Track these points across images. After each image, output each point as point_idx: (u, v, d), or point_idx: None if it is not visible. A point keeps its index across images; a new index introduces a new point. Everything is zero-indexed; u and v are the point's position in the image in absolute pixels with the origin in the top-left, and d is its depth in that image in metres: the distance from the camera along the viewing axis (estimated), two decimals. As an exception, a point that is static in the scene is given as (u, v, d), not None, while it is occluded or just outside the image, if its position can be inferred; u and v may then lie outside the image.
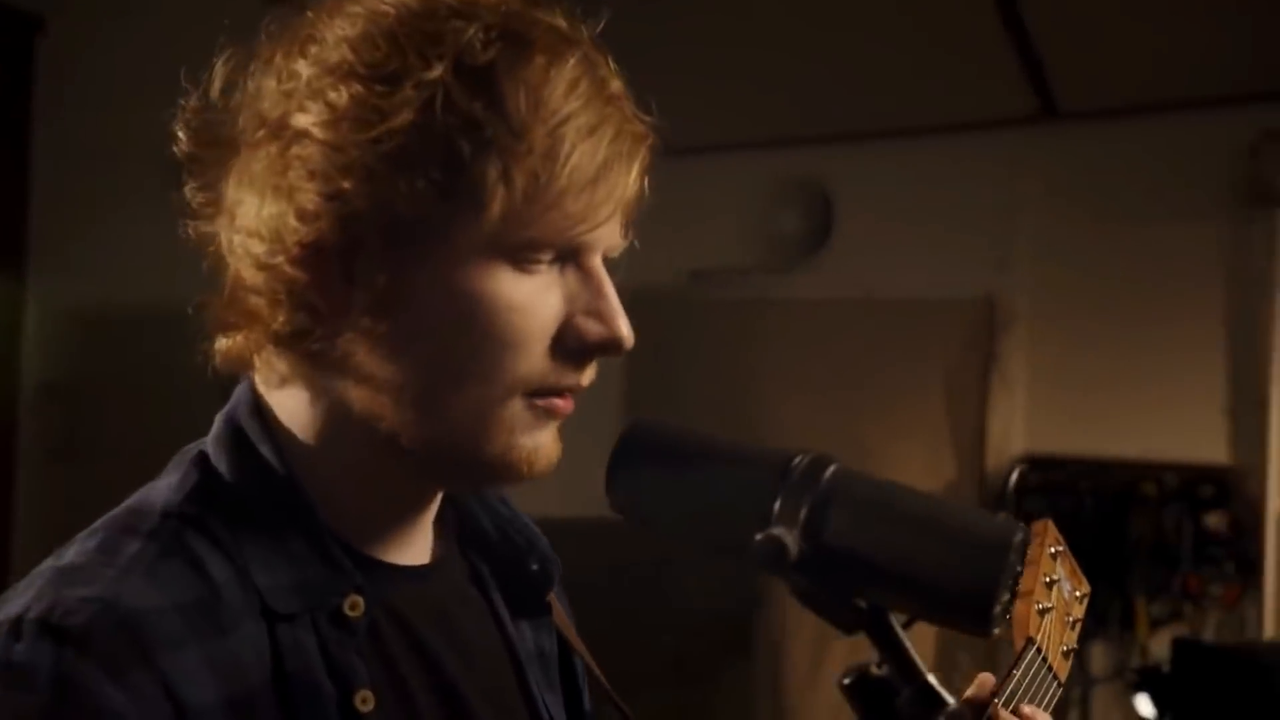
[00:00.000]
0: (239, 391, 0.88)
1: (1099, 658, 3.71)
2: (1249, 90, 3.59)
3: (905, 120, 4.06)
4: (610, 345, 0.83)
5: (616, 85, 0.83)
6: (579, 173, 0.79)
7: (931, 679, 0.74)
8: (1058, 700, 1.21)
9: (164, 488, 0.83)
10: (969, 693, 1.18)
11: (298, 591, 0.81)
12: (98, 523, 0.82)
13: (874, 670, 0.77)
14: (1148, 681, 2.81)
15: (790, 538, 0.72)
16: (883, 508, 0.73)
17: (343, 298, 0.80)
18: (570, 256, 0.83)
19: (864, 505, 0.73)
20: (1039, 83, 3.72)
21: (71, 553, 0.79)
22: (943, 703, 0.74)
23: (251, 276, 0.81)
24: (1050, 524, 1.33)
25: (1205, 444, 3.65)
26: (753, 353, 4.23)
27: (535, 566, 1.00)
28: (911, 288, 4.02)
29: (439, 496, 0.93)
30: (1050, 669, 1.23)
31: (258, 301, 0.82)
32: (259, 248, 0.80)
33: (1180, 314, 3.73)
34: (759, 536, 0.72)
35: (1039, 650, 1.28)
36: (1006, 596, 0.71)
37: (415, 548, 0.91)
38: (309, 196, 0.78)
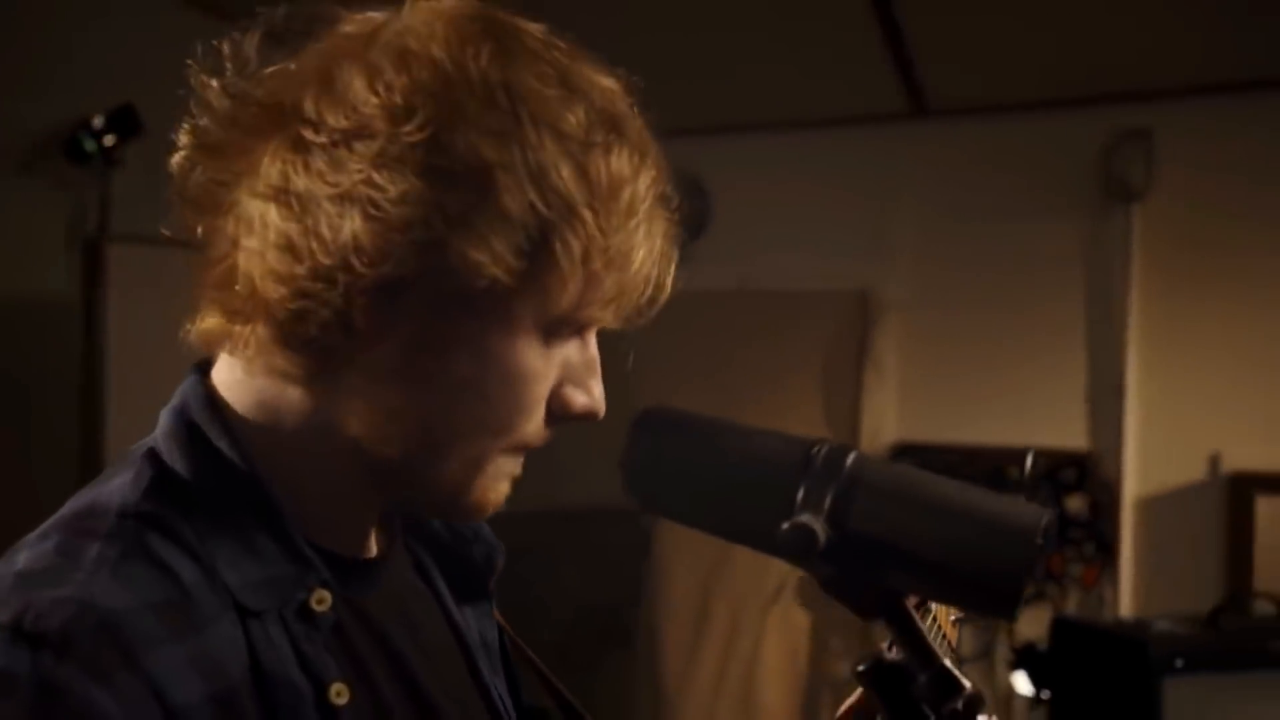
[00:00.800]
0: (186, 386, 0.85)
1: (966, 638, 3.83)
2: (1107, 91, 3.75)
3: (781, 114, 4.13)
4: (588, 418, 0.86)
5: (668, 189, 0.84)
6: (640, 273, 0.81)
7: (948, 663, 0.75)
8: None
9: (117, 488, 0.79)
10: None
11: (266, 588, 0.79)
12: (45, 526, 0.78)
13: (888, 657, 0.78)
14: (1025, 660, 2.91)
15: (818, 525, 0.72)
16: (908, 494, 0.74)
17: (386, 328, 0.78)
18: (579, 332, 0.85)
19: (889, 492, 0.74)
20: (911, 80, 3.81)
21: (24, 557, 0.75)
22: (960, 686, 0.75)
23: (285, 271, 0.76)
24: None
25: (1067, 430, 3.80)
26: (628, 341, 4.22)
27: (479, 553, 1.01)
28: (787, 279, 4.09)
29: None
30: (945, 637, 1.28)
31: (280, 299, 0.77)
32: (315, 252, 0.75)
33: (1043, 305, 3.88)
34: (786, 525, 0.72)
35: (934, 619, 1.33)
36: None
37: (367, 540, 0.90)
38: (402, 237, 0.74)
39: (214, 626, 0.75)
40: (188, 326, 0.84)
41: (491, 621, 1.02)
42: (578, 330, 0.84)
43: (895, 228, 4.06)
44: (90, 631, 0.69)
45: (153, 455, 0.81)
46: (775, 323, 4.11)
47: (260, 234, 0.76)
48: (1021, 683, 2.93)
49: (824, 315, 4.09)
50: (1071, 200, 3.84)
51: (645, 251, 0.81)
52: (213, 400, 0.83)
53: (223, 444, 0.80)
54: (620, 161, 0.79)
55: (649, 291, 0.84)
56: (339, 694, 0.79)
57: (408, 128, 0.74)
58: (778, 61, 3.80)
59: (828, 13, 3.59)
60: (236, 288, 0.78)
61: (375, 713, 0.82)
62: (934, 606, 1.31)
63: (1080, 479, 3.72)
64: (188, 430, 0.81)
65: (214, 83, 0.79)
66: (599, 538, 3.85)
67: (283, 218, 0.76)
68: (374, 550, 0.91)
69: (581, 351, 0.85)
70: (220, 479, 0.80)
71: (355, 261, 0.74)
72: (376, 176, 0.74)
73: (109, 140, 3.64)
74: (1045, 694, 2.84)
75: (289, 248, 0.75)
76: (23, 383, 3.49)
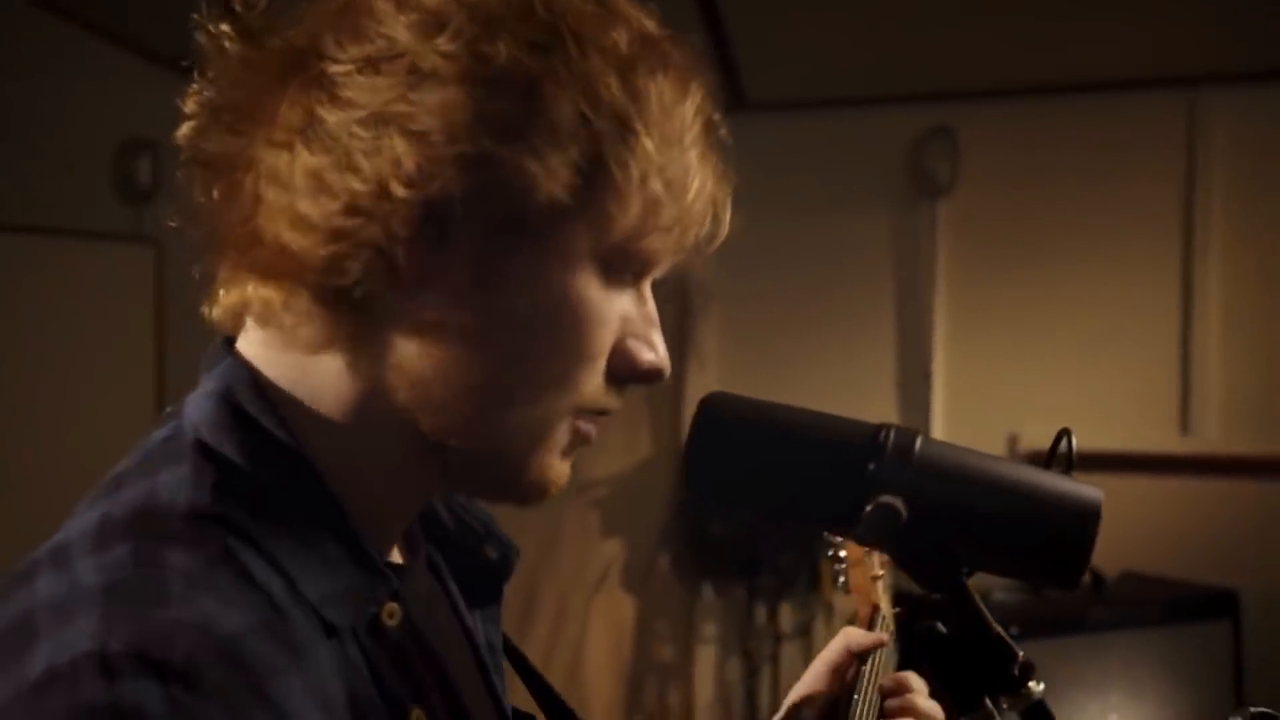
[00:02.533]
0: (226, 367, 0.75)
1: (787, 616, 3.97)
2: (916, 89, 3.93)
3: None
4: (656, 374, 0.81)
5: (719, 118, 0.80)
6: (696, 202, 0.77)
7: (1002, 632, 0.79)
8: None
9: (174, 484, 0.70)
10: (834, 645, 1.26)
11: (344, 601, 0.72)
12: (91, 526, 0.68)
13: (940, 628, 0.81)
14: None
15: (899, 505, 0.75)
16: (977, 474, 0.77)
17: (434, 265, 0.71)
18: (636, 279, 0.80)
19: (961, 472, 0.77)
20: (728, 74, 3.90)
21: (90, 566, 0.65)
22: (1016, 653, 0.79)
23: (317, 214, 0.70)
24: None
25: (878, 414, 3.95)
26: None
27: (493, 554, 0.95)
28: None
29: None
30: (893, 633, 1.35)
31: (314, 247, 0.70)
32: (350, 185, 0.69)
33: (856, 295, 4.05)
34: (871, 506, 0.75)
35: (884, 617, 1.39)
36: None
37: (398, 544, 0.85)
38: (446, 151, 0.69)
39: (312, 649, 0.68)
40: (207, 307, 0.78)
41: (497, 626, 0.96)
42: (636, 272, 0.78)
43: (714, 218, 4.14)
44: (216, 660, 0.61)
45: (204, 448, 0.72)
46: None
47: (286, 180, 0.70)
48: (859, 656, 3.05)
49: (646, 304, 4.15)
50: (882, 194, 4.01)
51: (701, 179, 0.77)
52: (258, 382, 0.74)
53: (280, 433, 0.73)
54: (667, 82, 0.75)
55: (707, 225, 0.80)
56: (419, 719, 0.74)
57: (440, 39, 0.69)
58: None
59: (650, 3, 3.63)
60: (262, 246, 0.71)
61: None
62: (883, 607, 1.37)
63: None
64: (238, 418, 0.72)
65: (224, 27, 0.73)
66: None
67: (311, 154, 0.70)
68: (400, 557, 0.85)
69: (640, 304, 0.80)
70: (282, 474, 0.72)
71: (395, 186, 0.68)
72: (411, 92, 0.69)
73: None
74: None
75: (319, 187, 0.69)
76: None
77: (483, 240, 0.72)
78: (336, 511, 0.73)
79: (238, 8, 0.74)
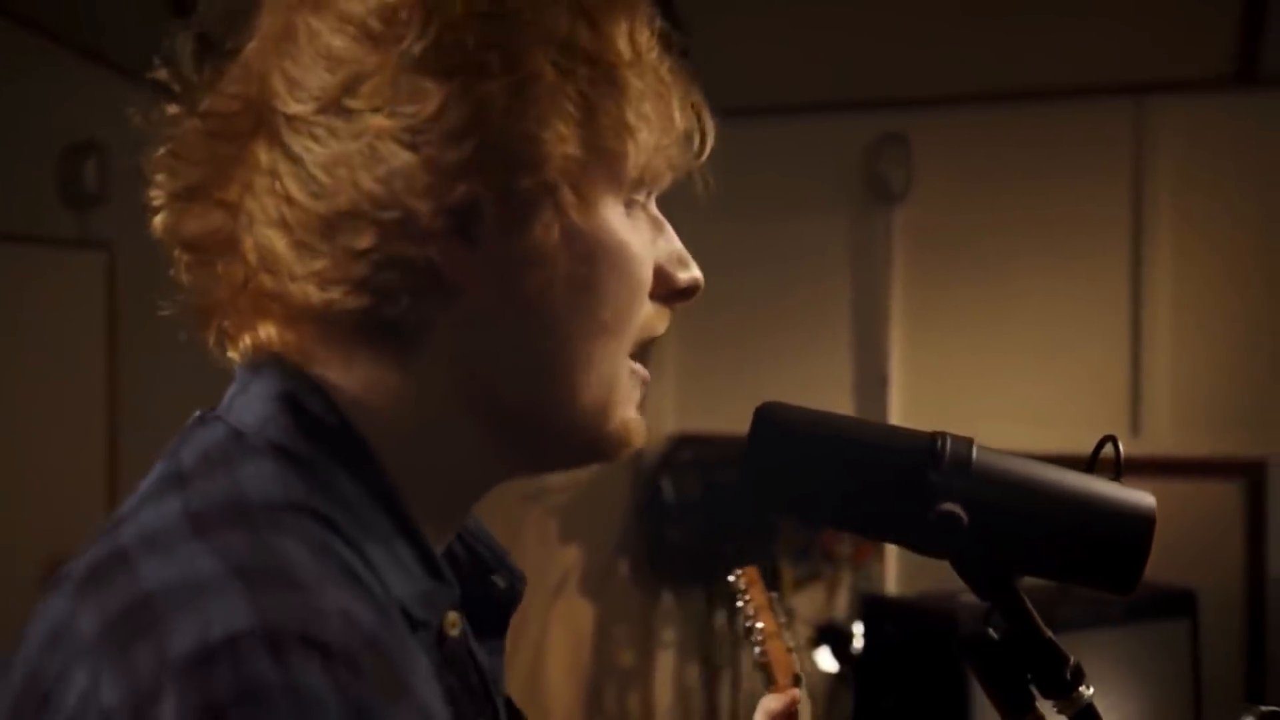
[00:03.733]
0: (281, 373, 0.73)
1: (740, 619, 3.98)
2: (870, 95, 3.97)
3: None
4: (695, 288, 0.82)
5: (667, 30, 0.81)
6: (683, 110, 0.78)
7: (1052, 636, 0.80)
8: None
9: (259, 478, 0.68)
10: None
11: (419, 604, 0.71)
12: (174, 518, 0.65)
13: (991, 633, 0.82)
14: (827, 636, 3.05)
15: (960, 511, 0.75)
16: (1036, 483, 0.78)
17: (469, 267, 0.71)
18: (643, 200, 0.80)
19: (1019, 481, 0.78)
20: (685, 79, 3.91)
21: (205, 551, 0.62)
22: (1067, 657, 0.80)
23: (343, 253, 0.69)
24: (754, 570, 1.49)
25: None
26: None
27: (501, 584, 0.90)
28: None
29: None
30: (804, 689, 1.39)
31: (328, 293, 0.70)
32: (382, 215, 0.68)
33: (812, 301, 4.09)
34: (935, 515, 0.75)
35: (803, 682, 1.43)
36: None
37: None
38: (453, 153, 0.68)
39: (413, 645, 0.66)
40: (220, 350, 0.77)
41: (502, 659, 0.91)
42: (645, 195, 0.79)
43: (670, 223, 4.15)
44: (364, 646, 0.59)
45: (280, 448, 0.70)
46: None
47: (272, 231, 0.70)
48: (825, 659, 3.07)
49: (603, 309, 4.15)
50: (837, 200, 4.05)
51: (679, 90, 0.78)
52: (320, 388, 0.72)
53: (353, 441, 0.71)
54: (622, 14, 0.76)
55: (701, 134, 0.81)
56: None
57: (405, 44, 0.69)
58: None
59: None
60: (278, 301, 0.71)
61: None
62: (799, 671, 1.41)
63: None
64: (305, 421, 0.71)
65: (169, 109, 0.74)
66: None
67: (302, 204, 0.69)
68: None
69: (656, 226, 0.80)
70: (354, 475, 0.71)
71: (414, 204, 0.68)
72: (400, 106, 0.68)
73: None
74: (848, 669, 2.99)
75: (335, 227, 0.69)
76: None
77: (511, 222, 0.72)
78: (407, 519, 0.72)
79: (177, 88, 0.74)
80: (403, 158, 0.68)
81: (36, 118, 3.85)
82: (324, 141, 0.69)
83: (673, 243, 0.81)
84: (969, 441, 0.79)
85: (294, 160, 0.69)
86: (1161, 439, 3.67)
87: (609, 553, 4.14)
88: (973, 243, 3.93)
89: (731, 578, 1.48)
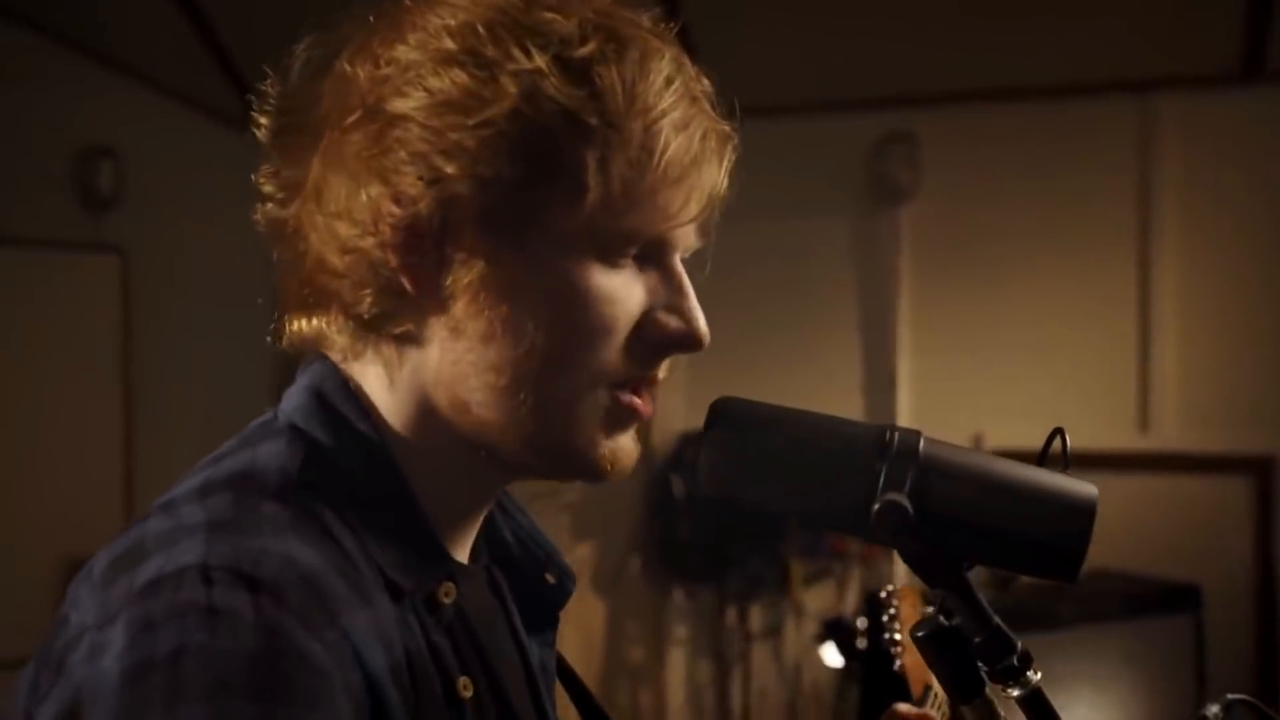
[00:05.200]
0: (319, 368, 0.84)
1: (757, 618, 4.01)
2: (876, 94, 3.99)
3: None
4: (688, 341, 0.86)
5: (704, 87, 0.84)
6: (673, 167, 0.80)
7: (1000, 623, 0.82)
8: None
9: (269, 453, 0.79)
10: None
11: (408, 570, 0.79)
12: (195, 484, 0.77)
13: (944, 621, 0.84)
14: (833, 631, 3.07)
15: (906, 502, 0.77)
16: (979, 473, 0.80)
17: (432, 283, 0.79)
18: (653, 254, 0.84)
19: (963, 471, 0.80)
20: (692, 81, 3.93)
21: (196, 510, 0.74)
22: (1015, 644, 0.82)
23: (336, 259, 0.80)
24: (913, 588, 1.49)
25: (844, 415, 4.01)
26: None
27: (552, 580, 0.99)
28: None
29: (494, 500, 0.92)
30: (941, 708, 1.39)
31: (340, 284, 0.80)
32: (348, 230, 0.79)
33: (819, 300, 4.10)
34: (878, 504, 0.77)
35: (935, 694, 1.43)
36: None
37: (466, 548, 0.90)
38: (408, 180, 0.77)
39: (378, 599, 0.75)
40: (279, 336, 0.86)
41: (552, 651, 1.00)
42: (641, 247, 0.82)
43: (679, 223, 4.18)
44: (298, 584, 0.69)
45: (297, 430, 0.81)
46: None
47: (312, 228, 0.81)
48: (830, 655, 3.09)
49: (612, 309, 4.17)
50: (843, 199, 4.07)
51: (675, 148, 0.79)
52: (344, 381, 0.83)
53: (362, 425, 0.81)
54: (626, 65, 0.79)
55: (702, 191, 0.83)
56: (465, 687, 0.79)
57: (395, 82, 0.78)
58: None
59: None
60: (308, 289, 0.82)
61: (482, 714, 0.82)
62: (934, 686, 1.40)
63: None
64: (325, 408, 0.82)
65: (263, 119, 0.84)
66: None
67: (323, 210, 0.80)
68: (467, 559, 0.90)
69: (665, 277, 0.84)
70: (360, 456, 0.81)
71: (379, 223, 0.78)
72: (379, 139, 0.78)
73: None
74: (856, 665, 3.01)
75: (332, 235, 0.80)
76: None
77: (470, 249, 0.79)
78: (407, 496, 0.81)
79: (273, 101, 0.84)
80: (375, 185, 0.78)
81: (52, 122, 3.91)
82: (339, 163, 0.80)
83: (678, 296, 0.85)
84: (917, 433, 0.81)
85: (321, 178, 0.81)
86: (1169, 435, 3.67)
87: (621, 549, 4.17)
88: (980, 240, 3.94)
89: (884, 593, 1.47)
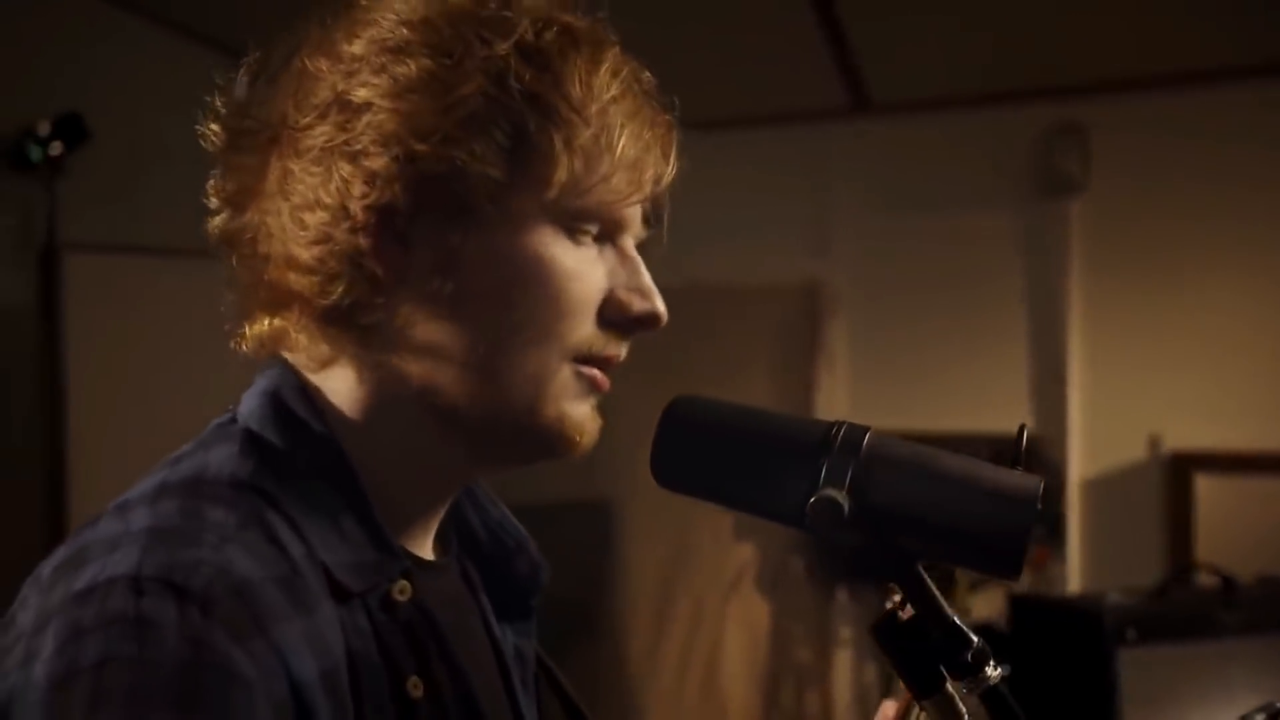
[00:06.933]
0: (276, 373, 0.87)
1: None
2: (1045, 85, 3.86)
3: (724, 112, 4.20)
4: (649, 319, 0.89)
5: (647, 78, 0.89)
6: (628, 149, 0.85)
7: (957, 619, 0.82)
8: None
9: (221, 458, 0.82)
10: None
11: (357, 571, 0.81)
12: (147, 489, 0.80)
13: (901, 615, 0.85)
14: (981, 637, 2.98)
15: (841, 497, 0.78)
16: (920, 467, 0.80)
17: (403, 264, 0.82)
18: (609, 235, 0.88)
19: (904, 465, 0.80)
20: (851, 76, 3.90)
21: (144, 515, 0.77)
22: (970, 640, 0.82)
23: (304, 253, 0.82)
24: None
25: (1011, 415, 3.91)
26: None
27: (524, 569, 1.02)
28: (735, 274, 4.17)
29: (454, 497, 0.95)
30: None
31: (308, 280, 0.83)
32: (318, 218, 0.82)
33: (986, 296, 4.00)
34: (813, 498, 0.79)
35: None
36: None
37: (428, 543, 0.93)
38: (380, 161, 0.80)
39: (320, 606, 0.77)
40: (238, 338, 0.89)
41: (529, 640, 1.03)
42: (602, 225, 0.87)
43: (841, 222, 4.16)
44: (228, 595, 0.71)
45: (251, 434, 0.83)
46: (724, 318, 4.18)
47: (277, 232, 0.84)
48: (978, 659, 3.01)
49: (772, 309, 4.18)
50: (1011, 193, 3.96)
51: (628, 133, 0.85)
52: (300, 383, 0.85)
53: (316, 424, 0.84)
54: (579, 58, 0.84)
55: (653, 174, 0.87)
56: (415, 687, 0.81)
57: (363, 74, 0.82)
58: (722, 60, 3.87)
59: (769, 12, 3.67)
60: (271, 289, 0.85)
61: (438, 712, 0.84)
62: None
63: (1027, 463, 3.82)
64: (280, 410, 0.84)
65: (214, 127, 0.88)
66: (560, 531, 3.89)
67: (289, 204, 0.83)
68: (432, 555, 0.93)
69: (621, 259, 0.88)
70: (314, 458, 0.83)
71: (350, 205, 0.81)
72: (347, 123, 0.81)
73: (55, 148, 3.60)
74: (1005, 669, 2.92)
75: (300, 227, 0.83)
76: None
77: (438, 230, 0.82)
78: (360, 497, 0.83)
79: (221, 109, 0.88)
80: (343, 166, 0.81)
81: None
82: (302, 154, 0.83)
83: (635, 275, 0.89)
84: (864, 429, 0.82)
85: (284, 171, 0.84)
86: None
87: (783, 550, 4.17)
88: (1156, 234, 3.77)
89: None
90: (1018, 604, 2.79)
